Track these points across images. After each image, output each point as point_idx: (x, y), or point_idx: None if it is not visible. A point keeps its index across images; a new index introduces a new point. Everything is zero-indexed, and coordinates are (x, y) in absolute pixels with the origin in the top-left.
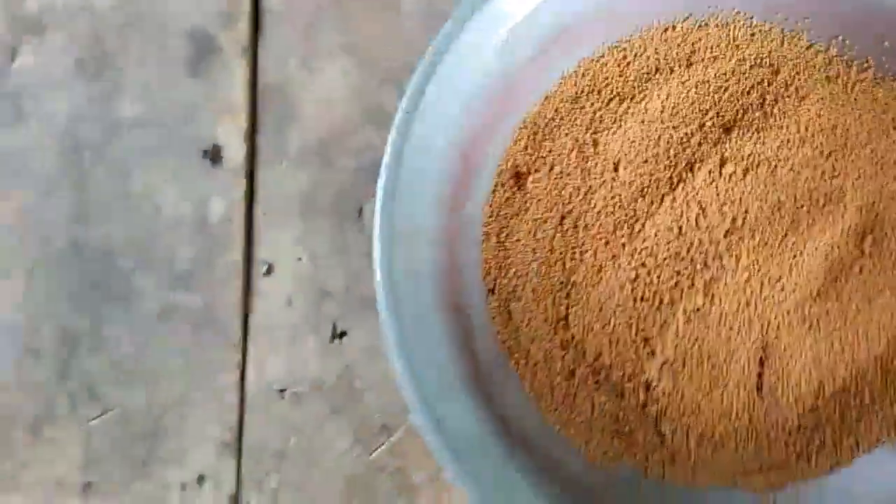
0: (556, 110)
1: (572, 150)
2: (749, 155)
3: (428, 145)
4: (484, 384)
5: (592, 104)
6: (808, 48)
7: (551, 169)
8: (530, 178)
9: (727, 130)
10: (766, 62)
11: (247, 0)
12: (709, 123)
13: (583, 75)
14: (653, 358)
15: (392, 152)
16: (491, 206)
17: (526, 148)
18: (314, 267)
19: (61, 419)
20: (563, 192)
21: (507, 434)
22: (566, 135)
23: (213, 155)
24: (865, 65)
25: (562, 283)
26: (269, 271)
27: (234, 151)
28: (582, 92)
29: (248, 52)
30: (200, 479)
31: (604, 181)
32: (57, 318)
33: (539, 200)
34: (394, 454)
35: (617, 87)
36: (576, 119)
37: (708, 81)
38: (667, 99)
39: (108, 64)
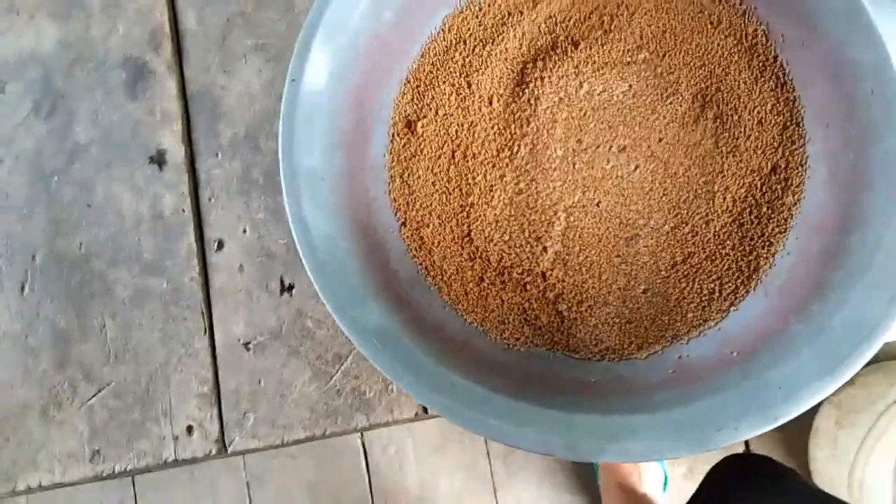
0: (431, 63)
1: (451, 94)
2: (596, 61)
3: (317, 102)
4: (401, 297)
5: (461, 53)
6: None
7: (436, 113)
8: (420, 124)
9: (575, 45)
10: None
11: (167, 25)
12: (561, 44)
13: (448, 30)
14: (545, 253)
15: (286, 112)
16: (391, 153)
17: (412, 99)
18: (257, 236)
19: (65, 403)
20: (449, 131)
21: (418, 326)
22: (444, 82)
23: (159, 159)
24: None
25: (461, 206)
26: (220, 246)
27: (176, 153)
28: (450, 44)
29: (175, 69)
30: (189, 429)
31: (482, 115)
32: (48, 320)
33: (431, 141)
34: (347, 376)
35: (479, 35)
36: (449, 67)
37: (553, 16)
38: (522, 37)
39: (60, 100)
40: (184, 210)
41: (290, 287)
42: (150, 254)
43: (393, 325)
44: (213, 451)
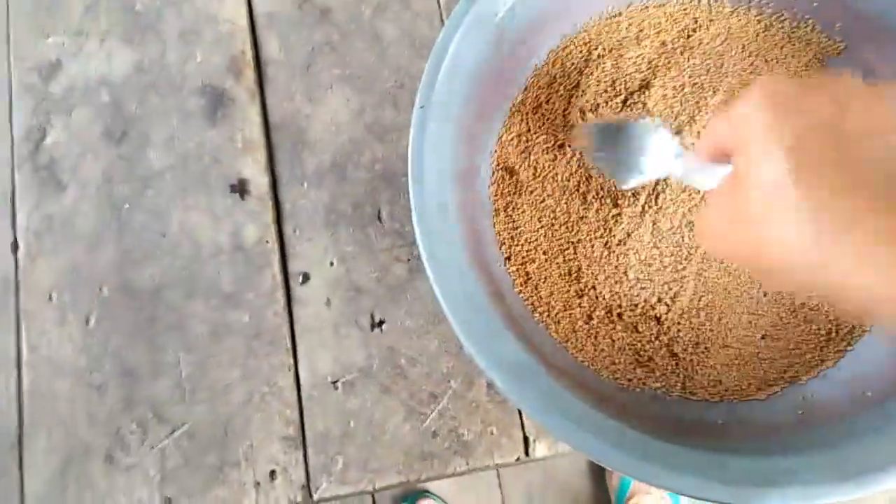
0: (535, 97)
1: (557, 129)
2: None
3: (442, 130)
4: (520, 330)
5: (564, 86)
6: (731, 13)
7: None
8: (521, 172)
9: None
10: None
11: (248, 53)
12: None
13: (553, 64)
14: (669, 310)
15: (414, 141)
16: (494, 188)
17: (517, 134)
18: (345, 269)
19: (134, 445)
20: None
21: (547, 364)
22: (549, 116)
23: (241, 188)
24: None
25: (568, 242)
26: (305, 280)
27: (259, 182)
28: (553, 78)
29: (258, 96)
30: (272, 474)
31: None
32: (116, 355)
33: (532, 189)
34: (444, 418)
35: (581, 68)
36: (553, 101)
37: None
38: (628, 68)
39: (132, 125)
40: (267, 241)
41: (381, 322)
42: (230, 286)
43: (529, 359)
44: (298, 499)
